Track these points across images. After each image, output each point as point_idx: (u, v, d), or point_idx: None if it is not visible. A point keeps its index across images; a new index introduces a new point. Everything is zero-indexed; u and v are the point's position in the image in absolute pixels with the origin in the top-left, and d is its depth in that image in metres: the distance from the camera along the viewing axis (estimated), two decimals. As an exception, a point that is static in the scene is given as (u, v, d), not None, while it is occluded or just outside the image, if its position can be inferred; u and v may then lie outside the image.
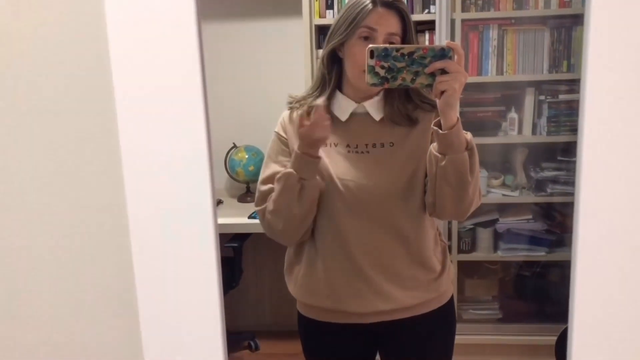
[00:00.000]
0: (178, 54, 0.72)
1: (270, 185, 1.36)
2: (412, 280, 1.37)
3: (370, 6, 1.27)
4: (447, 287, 1.45)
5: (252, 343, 2.95)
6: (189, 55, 0.72)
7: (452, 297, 1.48)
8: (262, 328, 2.97)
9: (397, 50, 1.11)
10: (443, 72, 1.12)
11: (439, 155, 1.22)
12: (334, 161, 1.34)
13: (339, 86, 1.37)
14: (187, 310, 0.80)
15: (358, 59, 1.27)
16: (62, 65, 0.77)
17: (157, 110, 0.74)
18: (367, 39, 1.28)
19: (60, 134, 0.79)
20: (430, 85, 1.14)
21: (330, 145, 1.36)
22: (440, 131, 1.19)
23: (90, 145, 0.79)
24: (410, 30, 1.31)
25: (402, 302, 1.37)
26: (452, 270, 1.48)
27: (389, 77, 1.13)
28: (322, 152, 1.33)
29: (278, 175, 1.32)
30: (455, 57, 1.12)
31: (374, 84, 1.14)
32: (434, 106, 1.35)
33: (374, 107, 1.35)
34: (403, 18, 1.30)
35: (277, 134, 1.41)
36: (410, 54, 1.11)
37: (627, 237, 0.71)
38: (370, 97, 1.36)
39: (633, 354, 0.75)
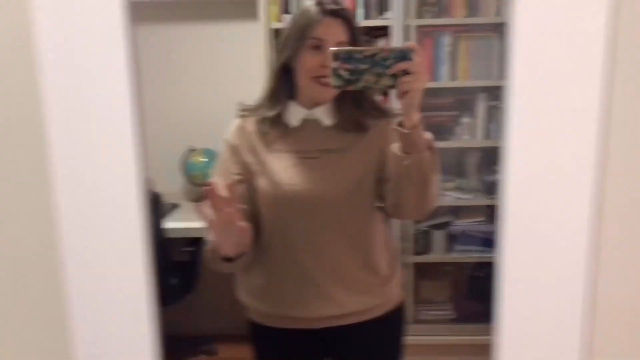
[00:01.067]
0: (106, 56, 0.72)
1: None
2: (360, 284, 1.38)
3: (317, 17, 1.28)
4: (397, 292, 1.46)
5: (209, 348, 2.92)
6: (117, 58, 0.71)
7: (401, 302, 1.49)
8: (221, 332, 2.94)
9: (360, 52, 1.12)
10: (405, 73, 1.13)
11: (402, 155, 1.22)
12: (283, 167, 1.34)
13: (291, 95, 1.38)
14: (118, 319, 0.79)
15: (309, 67, 1.29)
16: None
17: (85, 113, 0.73)
18: (317, 48, 1.29)
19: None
20: (392, 87, 1.15)
21: (281, 152, 1.36)
22: (404, 131, 1.20)
23: (17, 150, 0.78)
24: (358, 38, 1.33)
25: (349, 307, 1.38)
26: (402, 275, 1.49)
27: (352, 79, 1.13)
28: (271, 158, 1.34)
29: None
30: (416, 58, 1.14)
31: (337, 86, 1.15)
32: (383, 112, 1.39)
33: (324, 114, 1.37)
34: (350, 26, 1.32)
35: (228, 141, 1.40)
36: (373, 55, 1.12)
37: (549, 237, 0.75)
38: (321, 104, 1.37)
39: (556, 350, 0.78)
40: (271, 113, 1.36)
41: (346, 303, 1.37)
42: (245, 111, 1.42)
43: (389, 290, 1.43)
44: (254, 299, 1.43)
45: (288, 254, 1.36)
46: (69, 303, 0.79)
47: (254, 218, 1.36)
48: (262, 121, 1.37)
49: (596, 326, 0.79)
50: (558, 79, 0.70)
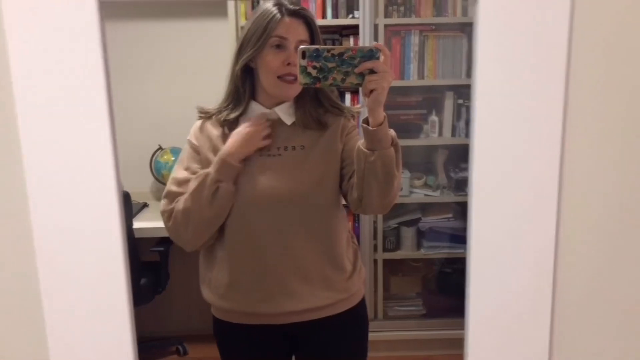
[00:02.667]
0: (80, 56, 0.71)
1: (179, 189, 1.38)
2: (323, 280, 1.40)
3: (278, 16, 1.31)
4: (359, 287, 1.48)
5: (180, 348, 2.91)
6: (91, 58, 0.71)
7: (363, 298, 1.51)
8: (191, 332, 2.93)
9: (328, 50, 1.14)
10: (371, 72, 1.16)
11: (368, 152, 1.25)
12: (247, 165, 1.36)
13: (252, 95, 1.40)
14: (95, 320, 0.78)
15: (272, 66, 1.32)
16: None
17: (59, 114, 0.72)
18: (279, 47, 1.32)
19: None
20: (359, 85, 1.17)
21: None
22: (370, 128, 1.22)
23: None
24: (318, 36, 1.36)
25: (312, 302, 1.40)
26: (363, 272, 1.52)
27: (320, 77, 1.15)
28: None
29: (196, 175, 1.35)
30: (382, 57, 1.16)
31: (306, 84, 1.17)
32: (341, 110, 1.42)
33: (285, 112, 1.39)
34: (309, 25, 1.35)
35: (190, 141, 1.43)
36: (341, 54, 1.14)
37: (516, 234, 0.77)
38: (282, 102, 1.39)
39: (523, 346, 0.80)
40: (234, 114, 1.38)
41: (310, 299, 1.39)
42: (205, 113, 1.44)
43: (351, 286, 1.45)
44: (218, 296, 1.44)
45: (252, 251, 1.37)
46: (45, 306, 0.78)
47: None
48: (224, 122, 1.39)
49: (561, 322, 0.81)
50: (521, 77, 0.71)
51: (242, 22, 2.67)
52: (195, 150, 1.41)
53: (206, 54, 2.91)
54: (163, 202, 1.41)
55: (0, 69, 0.73)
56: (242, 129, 1.34)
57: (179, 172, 1.41)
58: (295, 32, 1.32)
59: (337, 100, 1.44)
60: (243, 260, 1.38)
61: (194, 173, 1.38)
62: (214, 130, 1.41)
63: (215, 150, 1.38)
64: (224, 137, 1.38)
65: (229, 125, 1.38)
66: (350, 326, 1.49)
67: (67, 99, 0.72)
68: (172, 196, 1.39)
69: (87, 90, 0.72)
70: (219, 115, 1.40)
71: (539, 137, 0.73)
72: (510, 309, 0.79)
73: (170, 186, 1.40)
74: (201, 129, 1.42)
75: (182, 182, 1.38)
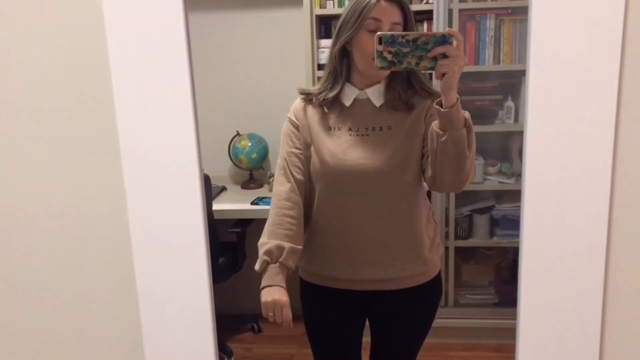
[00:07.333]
0: (167, 47, 0.78)
1: (286, 164, 1.51)
2: (402, 253, 1.52)
3: (374, 0, 1.40)
4: (436, 262, 1.59)
5: (255, 325, 3.02)
6: (177, 48, 0.78)
7: (439, 272, 1.61)
8: (265, 311, 3.02)
9: (403, 36, 1.21)
10: (444, 56, 1.22)
11: (440, 132, 1.32)
12: (337, 143, 1.47)
13: (347, 77, 1.50)
14: (179, 296, 0.87)
15: (367, 48, 1.40)
16: (62, 63, 0.81)
17: (150, 102, 0.79)
18: (373, 31, 1.39)
19: (58, 128, 0.83)
20: (432, 68, 1.24)
21: (335, 129, 1.49)
22: (442, 110, 1.29)
23: (90, 148, 0.84)
24: (411, 20, 1.45)
25: (392, 273, 1.52)
26: (441, 248, 1.63)
27: (395, 61, 1.23)
28: (327, 136, 1.48)
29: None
30: (455, 42, 1.22)
31: (382, 67, 1.24)
32: (430, 93, 1.49)
33: (375, 94, 1.49)
34: (403, 9, 1.44)
35: (289, 119, 1.56)
36: (415, 40, 1.21)
37: (568, 222, 0.77)
38: (373, 84, 1.49)
39: (577, 335, 0.81)
40: (332, 94, 1.49)
41: (390, 269, 1.51)
42: (307, 95, 1.55)
43: (429, 260, 1.55)
44: (306, 260, 1.58)
45: (338, 223, 1.50)
46: (138, 279, 0.87)
47: (308, 187, 1.52)
48: (322, 102, 1.50)
49: (612, 314, 0.80)
50: (576, 59, 0.71)
51: (317, 10, 2.72)
52: (295, 126, 1.54)
53: (282, 43, 2.98)
54: (276, 172, 1.55)
55: (101, 60, 0.80)
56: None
57: (282, 150, 1.54)
58: (390, 14, 1.41)
59: (428, 83, 1.52)
60: (330, 230, 1.52)
61: (295, 147, 1.52)
62: (311, 109, 1.53)
63: (311, 129, 1.51)
64: (324, 116, 1.50)
65: (328, 105, 1.50)
66: (424, 296, 1.60)
67: (160, 89, 0.78)
68: (280, 169, 1.53)
69: (173, 79, 0.78)
70: (319, 96, 1.51)
71: (592, 117, 0.72)
72: (562, 300, 0.78)
73: (281, 160, 1.54)
74: (300, 107, 1.55)
75: (290, 154, 1.52)
